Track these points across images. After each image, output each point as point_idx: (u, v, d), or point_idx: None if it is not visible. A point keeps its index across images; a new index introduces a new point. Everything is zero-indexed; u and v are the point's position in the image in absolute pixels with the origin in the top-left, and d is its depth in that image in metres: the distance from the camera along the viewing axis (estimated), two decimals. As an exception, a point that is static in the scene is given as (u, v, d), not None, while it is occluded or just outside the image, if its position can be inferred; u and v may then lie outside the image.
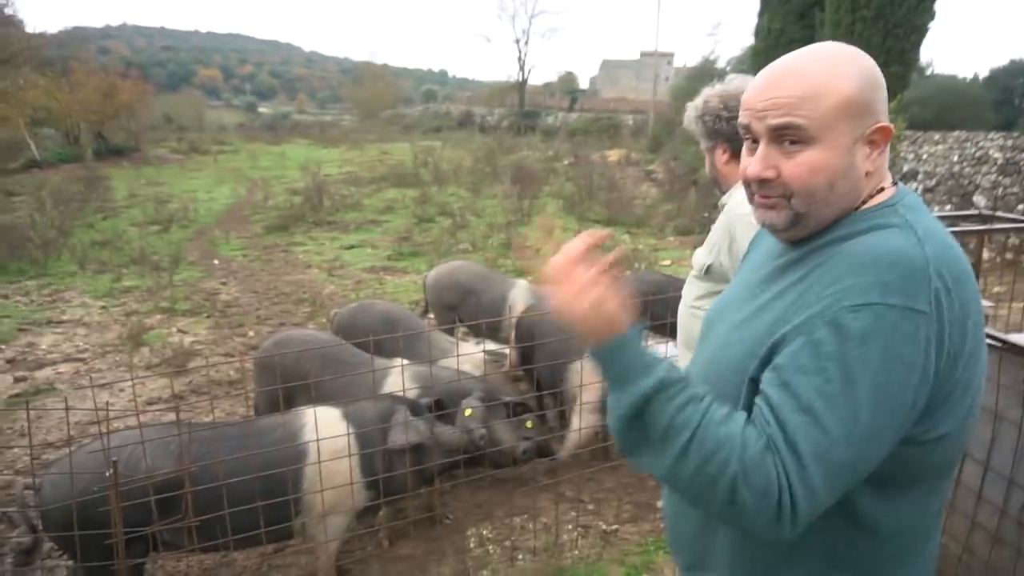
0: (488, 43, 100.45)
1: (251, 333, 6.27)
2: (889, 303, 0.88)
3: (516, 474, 3.73)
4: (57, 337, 6.12)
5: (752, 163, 1.04)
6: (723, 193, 2.19)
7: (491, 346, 4.18)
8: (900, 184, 1.08)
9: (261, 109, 70.24)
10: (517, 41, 43.77)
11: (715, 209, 2.29)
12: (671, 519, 1.25)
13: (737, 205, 1.98)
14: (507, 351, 4.26)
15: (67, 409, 2.32)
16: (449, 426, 2.99)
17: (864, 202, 1.03)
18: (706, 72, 23.37)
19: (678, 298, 4.26)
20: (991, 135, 10.53)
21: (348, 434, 2.69)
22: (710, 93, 2.08)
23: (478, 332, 5.16)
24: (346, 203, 13.30)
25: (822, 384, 0.88)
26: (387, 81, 56.01)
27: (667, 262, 9.09)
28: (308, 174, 15.17)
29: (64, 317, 6.69)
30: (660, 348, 3.79)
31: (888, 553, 1.02)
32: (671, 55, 57.51)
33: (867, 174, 1.01)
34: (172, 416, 3.38)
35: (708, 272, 2.15)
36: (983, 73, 29.08)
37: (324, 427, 2.64)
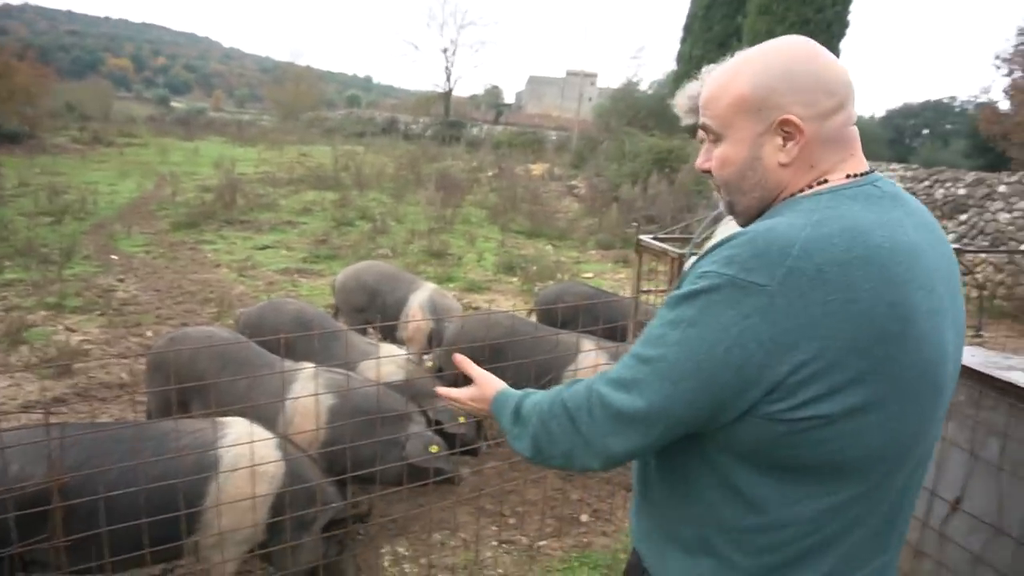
0: (416, 51, 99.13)
1: (149, 333, 5.81)
2: (724, 272, 0.95)
3: (434, 486, 3.54)
4: (-79, 333, 5.47)
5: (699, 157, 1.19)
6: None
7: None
8: (868, 176, 1.05)
9: (174, 103, 66.56)
10: (445, 51, 43.54)
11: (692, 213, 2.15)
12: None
13: None
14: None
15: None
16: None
17: (802, 190, 1.06)
18: (629, 93, 23.94)
19: (607, 306, 4.19)
20: (892, 165, 11.18)
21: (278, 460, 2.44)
22: None
23: (386, 335, 4.96)
24: (261, 203, 12.72)
25: (652, 327, 1.03)
26: (309, 83, 54.18)
27: (589, 274, 9.15)
28: (222, 171, 14.47)
29: (-69, 311, 6.01)
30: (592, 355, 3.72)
31: (782, 539, 1.01)
32: (595, 75, 58.71)
33: (783, 165, 1.05)
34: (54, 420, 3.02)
35: None
36: (879, 113, 31.10)
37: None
